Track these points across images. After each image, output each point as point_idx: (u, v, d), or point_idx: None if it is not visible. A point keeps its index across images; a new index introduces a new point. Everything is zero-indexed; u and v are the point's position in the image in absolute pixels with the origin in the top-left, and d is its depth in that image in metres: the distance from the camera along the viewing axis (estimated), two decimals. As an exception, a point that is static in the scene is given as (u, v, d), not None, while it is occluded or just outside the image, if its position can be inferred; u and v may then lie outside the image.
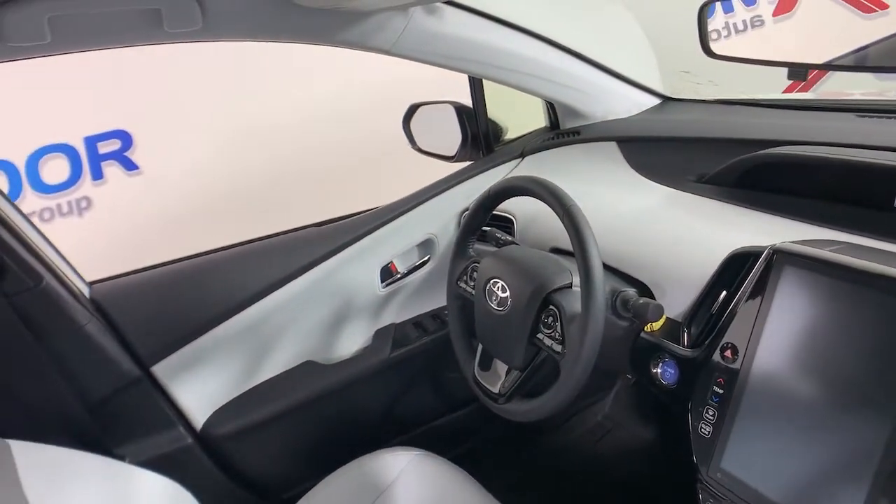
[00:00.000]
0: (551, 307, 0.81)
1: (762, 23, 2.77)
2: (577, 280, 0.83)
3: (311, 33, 0.83)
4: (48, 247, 0.92)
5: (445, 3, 0.92)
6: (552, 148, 1.21)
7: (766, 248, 0.70)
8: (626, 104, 1.23)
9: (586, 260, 0.74)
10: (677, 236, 0.89)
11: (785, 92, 2.11)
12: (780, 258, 0.68)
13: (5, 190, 2.80)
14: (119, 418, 0.97)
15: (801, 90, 2.25)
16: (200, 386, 1.06)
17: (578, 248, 0.75)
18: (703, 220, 0.91)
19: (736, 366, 0.70)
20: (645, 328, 0.87)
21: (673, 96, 1.27)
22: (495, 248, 1.00)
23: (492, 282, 0.88)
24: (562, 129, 1.24)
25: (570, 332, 0.77)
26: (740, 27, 2.76)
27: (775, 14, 2.75)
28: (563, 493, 1.29)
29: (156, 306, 1.01)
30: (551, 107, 1.25)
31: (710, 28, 1.00)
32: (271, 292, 1.08)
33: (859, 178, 0.81)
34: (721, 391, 0.72)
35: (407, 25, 0.89)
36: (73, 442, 0.87)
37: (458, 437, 1.33)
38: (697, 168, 1.00)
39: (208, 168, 3.04)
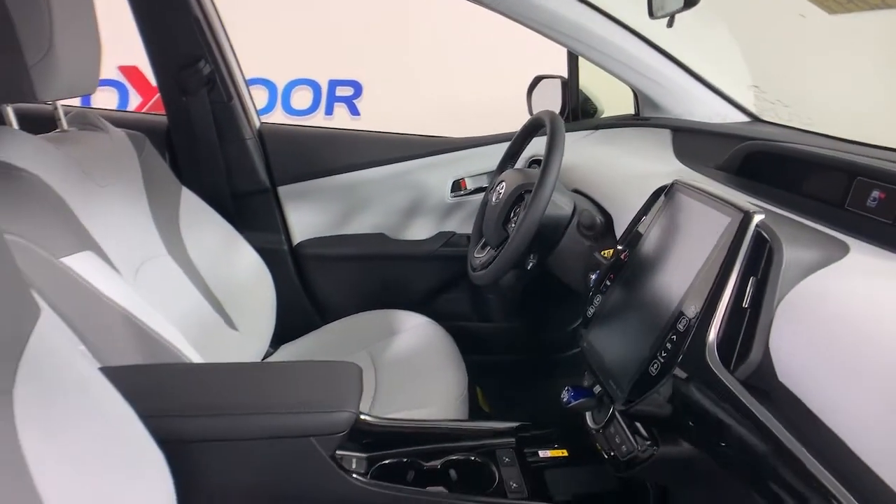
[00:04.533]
0: (523, 202, 1.06)
1: None
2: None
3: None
4: (243, 82, 1.42)
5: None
6: (621, 127, 1.42)
7: (675, 181, 0.89)
8: (707, 111, 1.38)
9: (546, 165, 0.99)
10: (651, 190, 1.07)
11: None
12: (676, 186, 0.87)
13: (263, 102, 3.65)
14: (248, 210, 1.45)
15: None
16: (305, 215, 1.50)
17: (546, 156, 1.00)
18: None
19: (623, 264, 0.90)
20: (602, 253, 1.08)
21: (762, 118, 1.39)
22: (524, 172, 1.26)
23: (500, 184, 1.16)
24: (638, 116, 1.44)
25: (519, 217, 1.02)
26: None
27: None
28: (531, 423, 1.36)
29: (296, 148, 1.47)
30: (636, 97, 1.46)
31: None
32: (372, 167, 1.47)
33: (822, 172, 0.93)
34: (609, 283, 0.92)
35: (507, -12, 1.20)
36: (218, 210, 1.34)
37: (481, 343, 1.59)
38: (719, 158, 1.16)
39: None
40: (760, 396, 0.63)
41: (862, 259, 0.68)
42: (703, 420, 0.68)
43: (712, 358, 0.66)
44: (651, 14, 0.97)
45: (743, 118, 1.39)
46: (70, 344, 0.71)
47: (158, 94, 3.07)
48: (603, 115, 1.56)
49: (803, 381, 0.60)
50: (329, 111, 3.78)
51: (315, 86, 3.72)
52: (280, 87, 3.67)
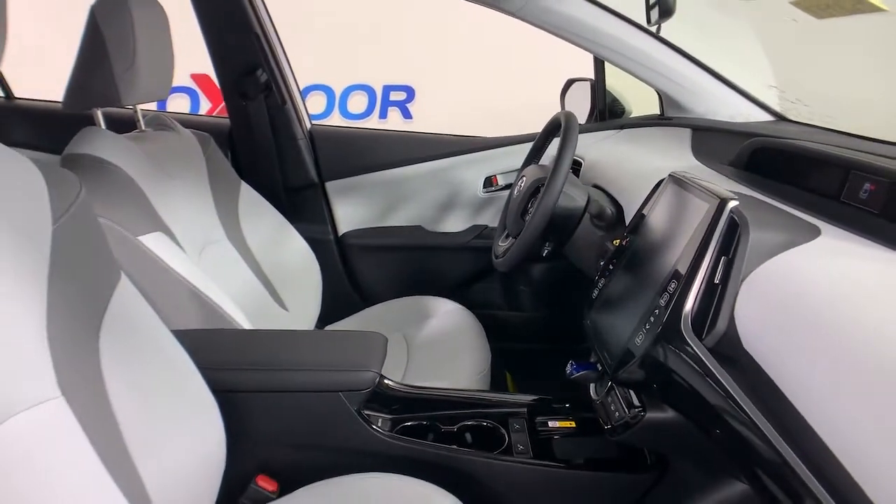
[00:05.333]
0: (539, 194, 1.16)
1: None
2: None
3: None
4: (296, 88, 1.58)
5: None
6: (644, 127, 1.49)
7: (672, 174, 0.96)
8: (730, 110, 1.43)
9: (557, 160, 1.08)
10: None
11: None
12: (670, 178, 0.94)
13: (322, 107, 3.85)
14: (299, 203, 1.61)
15: None
16: (350, 208, 1.65)
17: (558, 152, 1.09)
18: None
19: (623, 250, 0.99)
20: (613, 242, 1.16)
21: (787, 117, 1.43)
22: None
23: (522, 178, 1.26)
24: (662, 116, 1.51)
25: (533, 208, 1.12)
26: None
27: None
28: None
29: (342, 147, 1.63)
30: (661, 97, 1.52)
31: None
32: (411, 164, 1.60)
33: (821, 166, 0.98)
34: (612, 267, 1.01)
35: (530, -2, 1.30)
36: (273, 203, 1.49)
37: (511, 331, 1.69)
38: (732, 155, 1.22)
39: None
40: (726, 362, 0.71)
41: (830, 242, 0.75)
42: (677, 383, 0.76)
43: (686, 328, 0.75)
44: (648, 22, 1.05)
45: (767, 117, 1.43)
46: (144, 306, 0.86)
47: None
48: (630, 115, 1.63)
49: (763, 348, 0.67)
50: (383, 115, 3.95)
51: (370, 91, 3.90)
52: (338, 93, 3.86)
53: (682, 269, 0.79)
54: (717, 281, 0.75)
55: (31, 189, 0.70)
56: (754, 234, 0.73)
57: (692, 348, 0.73)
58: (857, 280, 0.66)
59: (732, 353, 0.71)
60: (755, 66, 1.41)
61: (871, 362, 0.53)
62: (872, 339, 0.55)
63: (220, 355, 0.94)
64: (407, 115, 3.94)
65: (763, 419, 0.63)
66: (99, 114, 1.16)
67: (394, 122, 3.94)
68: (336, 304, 1.57)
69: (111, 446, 0.69)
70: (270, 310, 1.39)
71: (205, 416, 0.83)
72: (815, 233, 0.76)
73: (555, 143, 1.36)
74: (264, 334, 1.09)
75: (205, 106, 3.75)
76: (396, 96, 3.92)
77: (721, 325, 0.72)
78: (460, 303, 1.51)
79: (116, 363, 0.73)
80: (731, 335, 0.72)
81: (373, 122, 3.95)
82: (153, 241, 1.03)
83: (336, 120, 3.90)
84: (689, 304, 0.76)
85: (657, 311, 0.81)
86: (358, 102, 3.93)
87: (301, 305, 1.46)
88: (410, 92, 3.89)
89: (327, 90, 3.85)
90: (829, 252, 0.73)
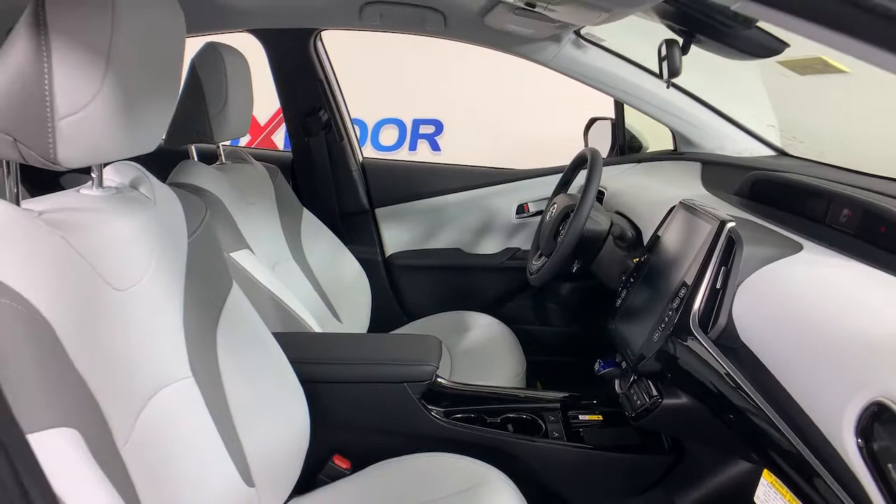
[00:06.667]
0: (569, 219, 1.34)
1: None
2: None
3: (498, 44, 1.52)
4: (351, 127, 1.80)
5: (591, 43, 1.51)
6: (659, 160, 1.68)
7: (683, 201, 1.15)
8: (737, 146, 1.61)
9: (584, 190, 1.26)
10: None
11: None
12: (680, 205, 1.13)
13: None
14: (352, 227, 1.82)
15: None
16: (396, 232, 1.85)
17: (585, 183, 1.28)
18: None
19: (642, 265, 1.17)
20: (634, 259, 1.33)
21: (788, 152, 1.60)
22: (574, 196, 1.54)
23: (553, 205, 1.44)
24: (675, 151, 1.69)
25: (564, 230, 1.30)
26: None
27: None
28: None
29: (390, 178, 1.84)
30: (674, 135, 1.71)
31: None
32: (451, 193, 1.81)
33: (809, 195, 1.15)
34: (632, 280, 1.18)
35: (559, 51, 1.51)
36: (329, 227, 1.69)
37: (542, 344, 1.85)
38: (736, 186, 1.39)
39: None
40: (727, 351, 0.88)
41: (809, 256, 0.92)
42: (688, 371, 0.93)
43: (694, 324, 0.92)
44: (661, 77, 1.24)
45: (769, 152, 1.61)
46: (250, 308, 1.05)
47: (264, 134, 3.52)
48: (647, 150, 1.82)
49: (756, 338, 0.84)
50: (413, 147, 4.16)
51: (401, 124, 4.12)
52: (370, 126, 4.10)
53: (690, 278, 0.97)
54: (718, 286, 0.92)
55: (174, 210, 0.90)
56: (747, 249, 0.90)
57: (699, 341, 0.90)
58: (827, 284, 0.82)
59: (732, 343, 0.88)
60: (758, 108, 1.59)
61: (831, 345, 0.69)
62: (834, 326, 0.71)
63: (304, 352, 1.13)
64: (435, 147, 4.15)
65: (759, 396, 0.80)
66: (193, 149, 1.38)
67: (423, 154, 4.15)
68: (383, 318, 1.75)
69: (224, 421, 0.87)
70: (327, 321, 1.58)
71: (294, 402, 1.01)
72: (797, 248, 0.93)
73: (581, 175, 1.55)
74: (338, 336, 1.28)
75: (243, 140, 4.00)
76: (425, 129, 4.14)
77: (722, 321, 0.89)
78: (496, 318, 1.69)
79: (229, 354, 0.92)
80: (731, 329, 0.89)
81: (402, 154, 4.16)
82: (242, 257, 1.23)
83: (368, 151, 4.12)
84: (697, 305, 0.93)
85: (670, 312, 0.98)
86: (389, 135, 4.16)
87: (353, 318, 1.65)
88: (439, 125, 4.11)
89: (360, 123, 4.08)
90: (808, 263, 0.90)
